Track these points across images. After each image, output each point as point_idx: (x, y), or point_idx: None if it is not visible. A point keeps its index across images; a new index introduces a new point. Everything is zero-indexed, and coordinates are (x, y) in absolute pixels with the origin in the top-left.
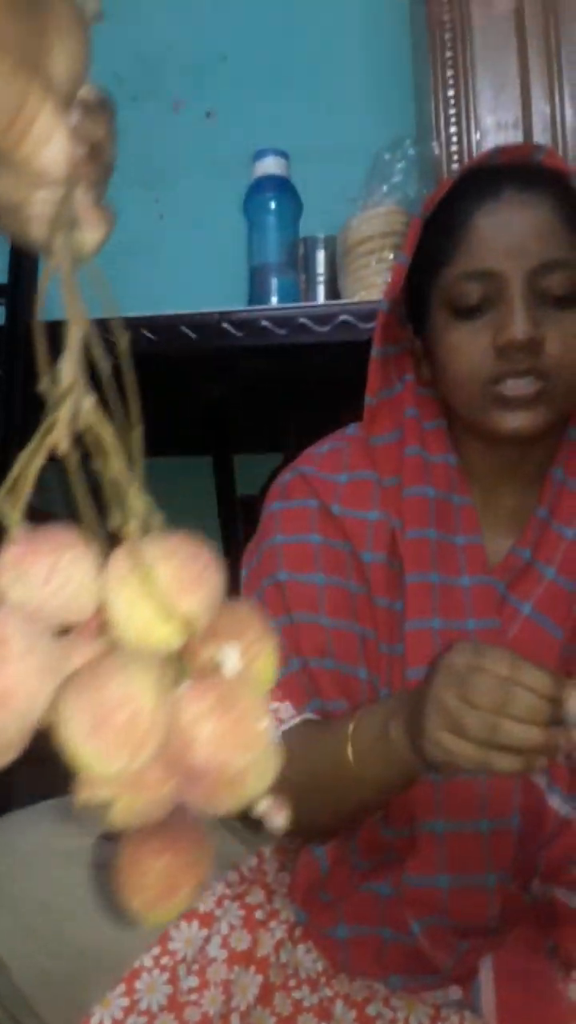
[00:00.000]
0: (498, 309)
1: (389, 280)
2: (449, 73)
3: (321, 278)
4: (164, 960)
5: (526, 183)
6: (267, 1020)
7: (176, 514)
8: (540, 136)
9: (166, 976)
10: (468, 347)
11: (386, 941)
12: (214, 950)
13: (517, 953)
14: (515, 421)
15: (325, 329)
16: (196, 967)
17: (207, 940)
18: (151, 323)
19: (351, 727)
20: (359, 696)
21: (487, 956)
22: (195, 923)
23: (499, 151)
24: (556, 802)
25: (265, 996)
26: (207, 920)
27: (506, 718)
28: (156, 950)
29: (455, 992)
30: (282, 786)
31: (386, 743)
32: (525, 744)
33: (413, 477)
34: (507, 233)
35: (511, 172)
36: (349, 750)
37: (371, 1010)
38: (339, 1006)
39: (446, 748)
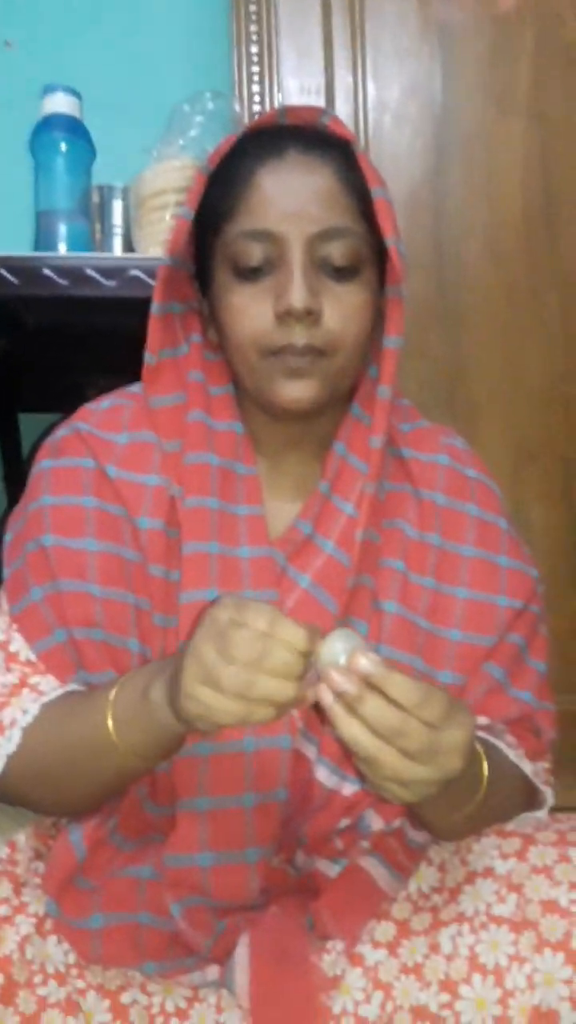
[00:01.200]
0: (279, 273)
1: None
2: (252, 28)
3: (118, 230)
4: None
5: (310, 145)
6: (10, 1020)
7: None
8: (342, 105)
9: None
10: (249, 311)
11: (142, 927)
12: None
13: (274, 928)
14: (293, 391)
15: (113, 283)
16: None
17: None
18: None
19: (112, 693)
20: (129, 669)
21: (244, 934)
22: None
23: (285, 111)
24: (323, 774)
25: (7, 995)
26: None
27: (261, 673)
28: None
29: (212, 972)
30: (39, 762)
31: (146, 706)
32: (278, 698)
33: (196, 443)
34: (289, 194)
35: (296, 133)
36: (109, 717)
37: (125, 998)
38: (91, 997)
39: (202, 702)
